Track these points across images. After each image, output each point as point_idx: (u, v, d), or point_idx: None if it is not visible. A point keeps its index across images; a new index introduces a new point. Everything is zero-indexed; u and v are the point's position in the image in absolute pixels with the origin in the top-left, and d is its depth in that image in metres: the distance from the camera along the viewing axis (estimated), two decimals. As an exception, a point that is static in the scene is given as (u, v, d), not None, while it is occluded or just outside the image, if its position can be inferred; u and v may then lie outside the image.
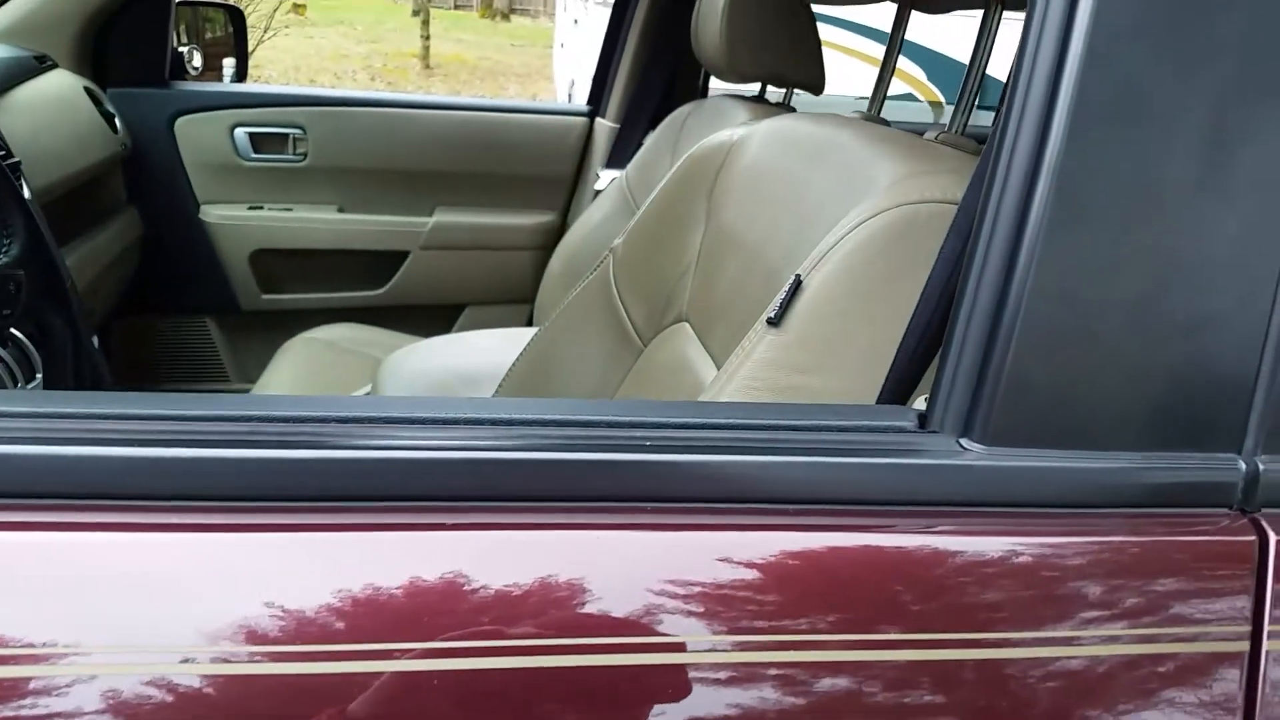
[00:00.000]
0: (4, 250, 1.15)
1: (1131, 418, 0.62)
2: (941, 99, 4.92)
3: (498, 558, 0.57)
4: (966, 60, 1.09)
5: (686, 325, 1.14)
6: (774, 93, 1.81)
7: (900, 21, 1.29)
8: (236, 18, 2.43)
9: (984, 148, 0.68)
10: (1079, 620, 0.60)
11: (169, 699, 0.53)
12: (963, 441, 0.62)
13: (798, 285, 0.80)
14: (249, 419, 0.58)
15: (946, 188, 0.78)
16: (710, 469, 0.59)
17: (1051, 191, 0.58)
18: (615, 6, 2.29)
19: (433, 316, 2.23)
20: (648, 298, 1.23)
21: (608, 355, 1.23)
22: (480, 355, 1.55)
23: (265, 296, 2.13)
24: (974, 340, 0.61)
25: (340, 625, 0.54)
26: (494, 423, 0.60)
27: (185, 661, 0.53)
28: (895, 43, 1.29)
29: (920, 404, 0.65)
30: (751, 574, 0.58)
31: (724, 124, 1.68)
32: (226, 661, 0.53)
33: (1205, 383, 0.62)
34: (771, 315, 0.79)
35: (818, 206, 0.95)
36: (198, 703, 0.53)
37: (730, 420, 0.62)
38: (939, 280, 0.68)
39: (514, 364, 1.33)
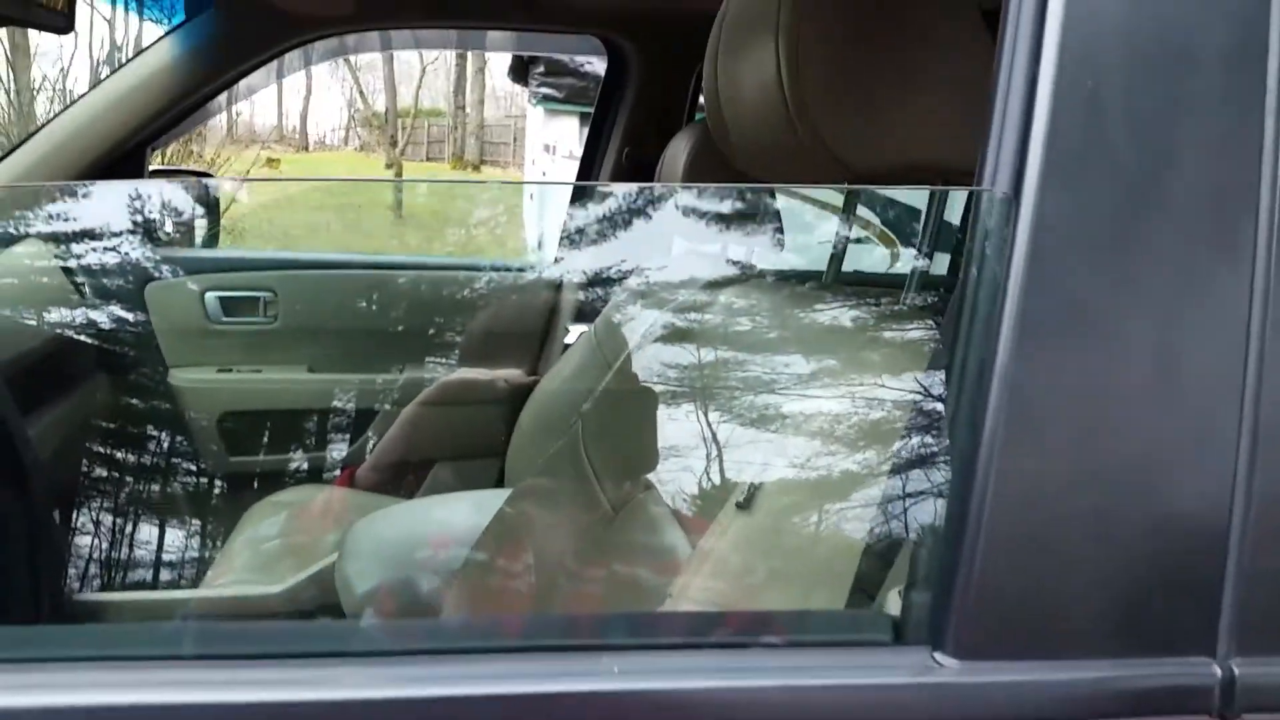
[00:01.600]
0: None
1: (1103, 624, 0.62)
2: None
3: None
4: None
5: (655, 491, 1.14)
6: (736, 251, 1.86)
7: (850, 204, 1.34)
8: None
9: (938, 340, 0.69)
10: None
11: None
12: (936, 655, 0.60)
13: (763, 467, 0.80)
14: (201, 658, 0.57)
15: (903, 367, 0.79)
16: (676, 699, 0.58)
17: (1003, 403, 0.59)
18: (581, 165, 2.36)
19: (402, 474, 2.20)
20: (618, 463, 1.23)
21: (579, 526, 1.22)
22: (449, 522, 1.53)
23: (233, 459, 2.11)
24: (941, 552, 0.60)
25: None
26: (452, 652, 0.59)
27: None
28: (849, 222, 1.33)
29: (894, 598, 0.64)
30: None
31: (688, 285, 1.72)
32: None
33: (1173, 585, 0.62)
34: (740, 499, 0.79)
35: (780, 382, 0.96)
36: None
37: (696, 640, 0.61)
38: (898, 481, 0.68)
39: (483, 533, 1.31)
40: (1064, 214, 0.59)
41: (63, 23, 1.37)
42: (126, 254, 2.04)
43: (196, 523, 2.13)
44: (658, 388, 1.27)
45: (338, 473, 2.14)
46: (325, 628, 0.83)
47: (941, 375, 0.63)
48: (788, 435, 0.86)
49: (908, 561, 0.64)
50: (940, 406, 0.65)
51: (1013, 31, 0.60)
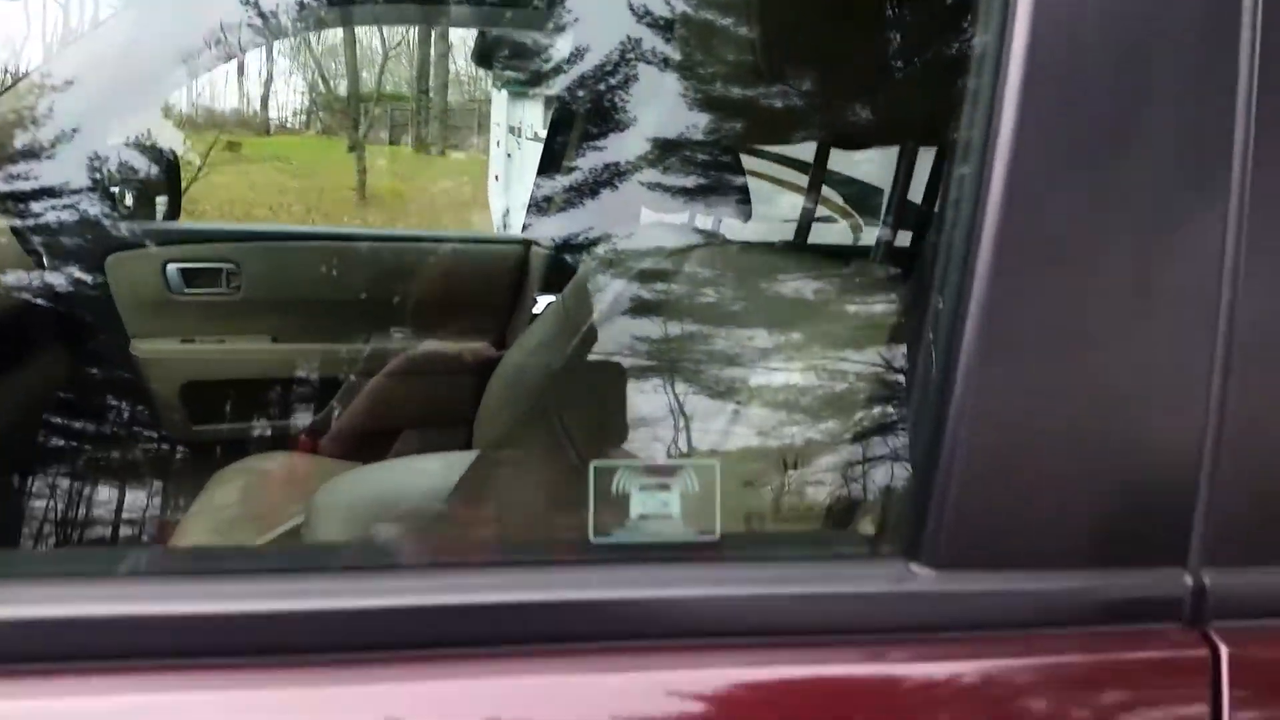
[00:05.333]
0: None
1: (1077, 537, 0.63)
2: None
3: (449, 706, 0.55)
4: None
5: (625, 451, 1.15)
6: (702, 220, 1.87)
7: (821, 159, 1.36)
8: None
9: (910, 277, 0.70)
10: None
11: None
12: (912, 566, 0.62)
13: (737, 411, 0.82)
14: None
15: (874, 315, 0.81)
16: (653, 606, 0.59)
17: (980, 326, 0.60)
18: (549, 136, 2.36)
19: (368, 443, 2.20)
20: (589, 425, 1.23)
21: (550, 482, 1.23)
22: (416, 481, 1.53)
23: (197, 428, 2.09)
24: (917, 465, 0.62)
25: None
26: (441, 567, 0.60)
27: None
28: (818, 178, 1.36)
29: (867, 523, 0.66)
30: (702, 709, 0.57)
31: (656, 250, 1.73)
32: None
33: (1147, 499, 0.63)
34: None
35: (751, 333, 0.98)
36: None
37: (676, 555, 0.62)
38: (871, 407, 0.70)
39: (452, 491, 1.31)
40: (1041, 150, 0.60)
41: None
42: (87, 223, 2.01)
43: (159, 491, 2.11)
44: (625, 359, 1.28)
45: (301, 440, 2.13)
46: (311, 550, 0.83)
47: (907, 322, 0.64)
48: (762, 379, 0.87)
49: (882, 483, 0.65)
50: (901, 352, 0.66)
51: None
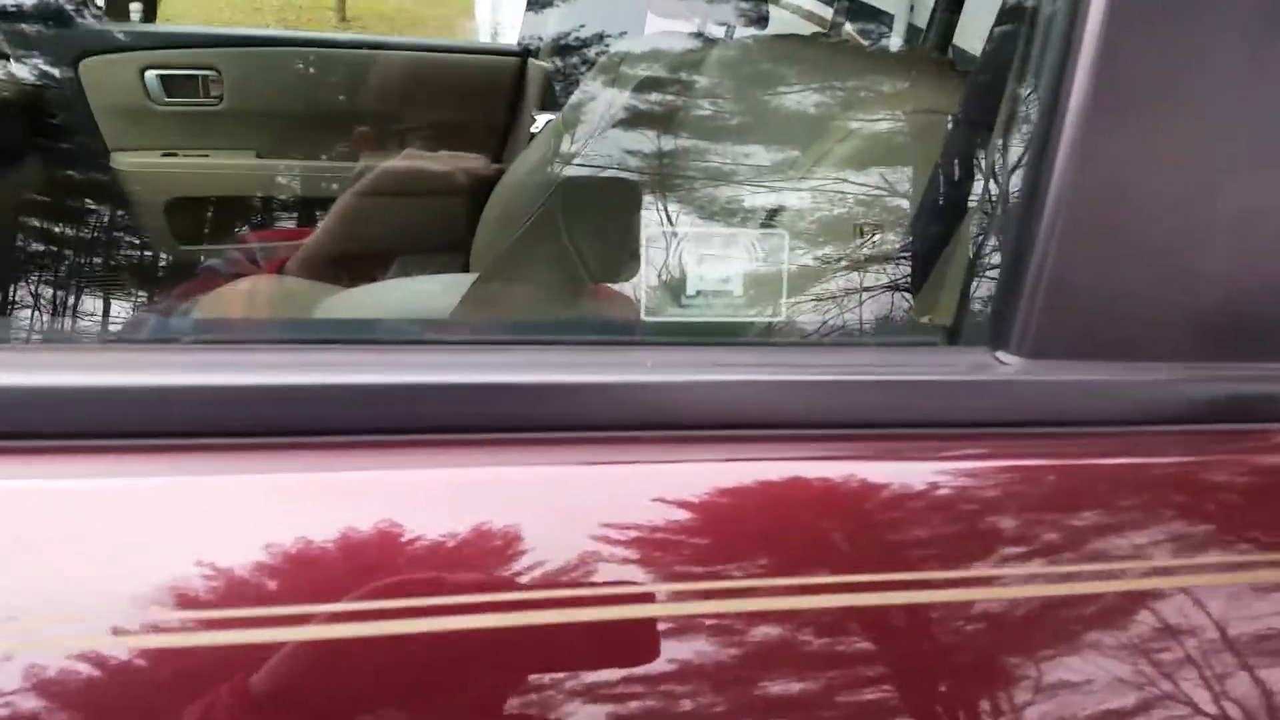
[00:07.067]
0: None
1: (1182, 325, 0.56)
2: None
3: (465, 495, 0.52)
4: None
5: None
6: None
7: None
8: (142, -48, 2.28)
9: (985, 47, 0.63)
10: (1133, 545, 0.54)
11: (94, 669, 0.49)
12: (998, 355, 0.55)
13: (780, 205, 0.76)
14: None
15: (933, 98, 0.74)
16: (719, 391, 0.53)
17: (1091, 75, 0.51)
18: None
19: (361, 267, 2.13)
20: (600, 233, 1.18)
21: (558, 299, 1.18)
22: (416, 303, 1.47)
23: (183, 248, 2.02)
24: (1007, 246, 0.54)
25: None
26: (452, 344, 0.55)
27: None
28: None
29: (946, 314, 0.59)
30: (753, 507, 0.53)
31: (665, 59, 1.63)
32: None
33: (1257, 285, 0.56)
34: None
35: (788, 126, 0.91)
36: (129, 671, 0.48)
37: (734, 336, 0.57)
38: (940, 189, 0.63)
39: (454, 311, 1.26)
40: None
41: None
42: (55, 19, 1.88)
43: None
44: (635, 173, 1.21)
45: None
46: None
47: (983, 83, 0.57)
48: (799, 174, 0.81)
49: (959, 266, 0.58)
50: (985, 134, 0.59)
51: None
